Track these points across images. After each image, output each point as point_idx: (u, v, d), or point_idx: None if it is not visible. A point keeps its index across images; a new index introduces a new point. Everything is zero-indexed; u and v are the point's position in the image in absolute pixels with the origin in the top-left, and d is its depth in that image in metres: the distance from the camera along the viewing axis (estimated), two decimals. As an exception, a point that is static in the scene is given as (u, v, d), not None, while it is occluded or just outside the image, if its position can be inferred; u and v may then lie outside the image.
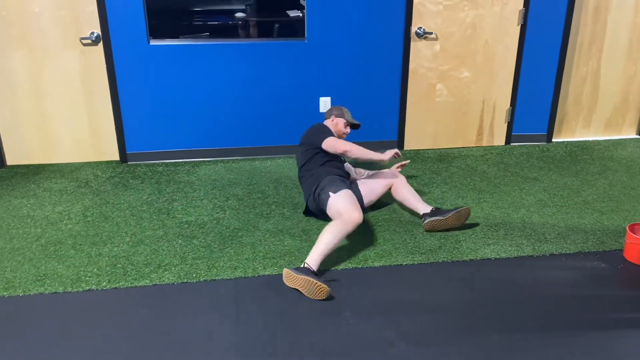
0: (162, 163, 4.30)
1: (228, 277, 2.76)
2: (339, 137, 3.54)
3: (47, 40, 3.96)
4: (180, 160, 4.35)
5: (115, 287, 2.69)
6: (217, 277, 2.76)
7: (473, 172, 4.10)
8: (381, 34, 4.20)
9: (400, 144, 4.55)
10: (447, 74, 4.37)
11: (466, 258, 2.92)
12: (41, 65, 4.02)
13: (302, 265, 2.73)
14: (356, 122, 3.59)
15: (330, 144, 3.27)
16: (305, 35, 4.15)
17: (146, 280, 2.74)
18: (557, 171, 4.12)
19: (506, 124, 4.61)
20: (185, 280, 2.74)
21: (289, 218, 3.37)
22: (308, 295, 2.60)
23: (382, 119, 4.45)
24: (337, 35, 4.16)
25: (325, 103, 4.33)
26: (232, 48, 4.10)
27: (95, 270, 2.83)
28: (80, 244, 3.09)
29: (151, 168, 4.20)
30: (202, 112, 4.24)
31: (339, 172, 3.31)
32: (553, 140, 4.77)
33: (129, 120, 4.19)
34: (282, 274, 2.77)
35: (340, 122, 3.54)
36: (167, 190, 3.80)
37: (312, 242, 3.07)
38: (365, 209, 3.42)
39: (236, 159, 4.38)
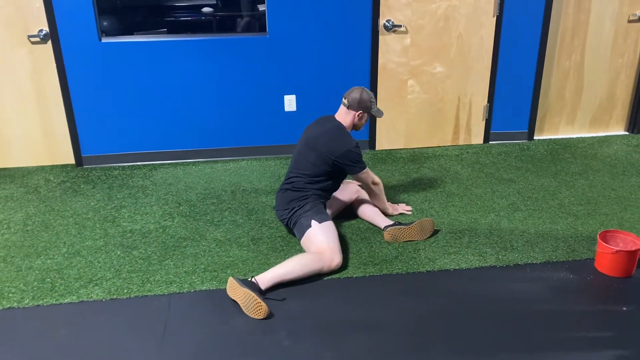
0: (119, 166, 4.09)
1: (162, 293, 2.55)
2: (356, 127, 3.06)
3: (-8, 38, 3.76)
4: (138, 163, 4.14)
5: (39, 305, 2.48)
6: (149, 293, 2.55)
7: (445, 173, 3.86)
8: (347, 27, 3.96)
9: (371, 144, 4.31)
10: (419, 69, 4.12)
11: (423, 269, 2.69)
12: (-12, 65, 3.82)
13: (249, 278, 2.52)
14: (382, 115, 3.15)
15: (364, 178, 3.00)
16: (267, 30, 3.92)
17: (73, 297, 2.53)
18: (535, 171, 3.87)
19: (484, 122, 4.37)
20: (115, 297, 2.53)
21: (240, 226, 3.15)
22: (245, 311, 2.38)
23: (352, 117, 4.21)
24: (300, 29, 3.93)
25: (290, 101, 4.10)
26: (190, 45, 3.87)
27: (21, 285, 2.63)
28: (13, 256, 2.89)
29: (106, 172, 3.99)
30: (159, 112, 4.03)
31: (327, 197, 3.06)
32: (535, 138, 4.52)
33: (83, 122, 3.99)
34: (220, 289, 2.56)
35: (365, 116, 3.04)
36: (118, 196, 3.59)
37: (259, 253, 2.85)
38: None
39: (197, 162, 4.16)
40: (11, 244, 3.01)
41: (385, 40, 4.01)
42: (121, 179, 3.87)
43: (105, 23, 3.82)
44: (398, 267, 2.70)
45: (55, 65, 3.83)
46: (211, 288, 2.57)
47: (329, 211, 3.07)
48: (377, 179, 3.06)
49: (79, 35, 3.75)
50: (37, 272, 2.74)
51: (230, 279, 2.46)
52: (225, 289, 2.53)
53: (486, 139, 4.41)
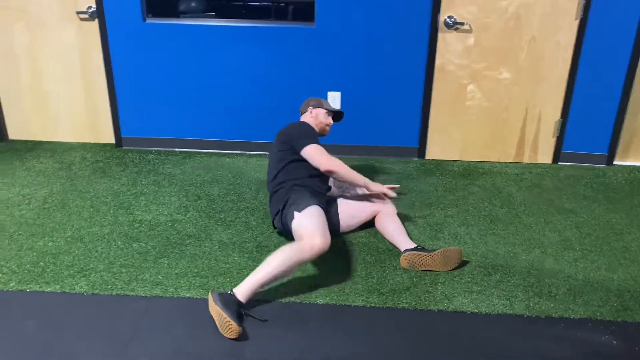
0: (155, 151, 4.01)
1: (144, 294, 2.38)
2: (322, 130, 3.04)
3: (44, 13, 3.78)
4: (175, 149, 4.04)
5: (22, 290, 2.40)
6: (131, 293, 2.39)
7: (496, 194, 3.40)
8: (403, 22, 3.58)
9: (420, 152, 3.91)
10: (482, 74, 3.66)
11: (435, 307, 2.31)
12: (39, 39, 3.86)
13: (229, 291, 2.28)
14: (338, 109, 3.10)
15: (313, 154, 2.71)
16: (314, 20, 3.63)
17: (57, 286, 2.43)
18: (605, 203, 3.30)
19: (554, 139, 3.82)
20: (97, 292, 2.39)
21: (251, 229, 2.93)
22: (220, 329, 2.15)
23: (401, 121, 3.84)
24: (350, 21, 3.60)
25: (333, 98, 3.80)
26: (232, 30, 3.68)
27: (14, 266, 2.57)
28: (20, 234, 2.85)
29: (141, 155, 3.92)
30: (198, 99, 3.89)
31: (317, 185, 2.79)
32: (615, 163, 3.89)
33: (124, 102, 3.94)
34: (204, 298, 2.35)
35: (320, 112, 3.03)
36: (142, 182, 3.49)
37: (258, 262, 2.60)
38: (339, 234, 2.89)
39: (232, 154, 3.98)
40: (24, 221, 2.99)
41: (445, 39, 3.59)
42: (153, 164, 3.78)
43: (153, 3, 3.73)
44: (406, 301, 2.34)
45: (100, 43, 3.80)
46: (195, 296, 2.36)
47: (352, 222, 2.86)
48: (332, 165, 2.69)
49: (123, 13, 3.68)
50: (34, 254, 2.67)
51: (210, 294, 2.23)
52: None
53: (555, 158, 3.86)
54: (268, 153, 3.96)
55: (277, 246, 2.74)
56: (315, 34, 3.65)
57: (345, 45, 3.66)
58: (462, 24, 3.53)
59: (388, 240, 2.79)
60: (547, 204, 3.28)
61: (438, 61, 3.65)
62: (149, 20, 3.71)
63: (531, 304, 2.33)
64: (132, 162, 3.82)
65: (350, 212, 2.84)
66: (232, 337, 2.10)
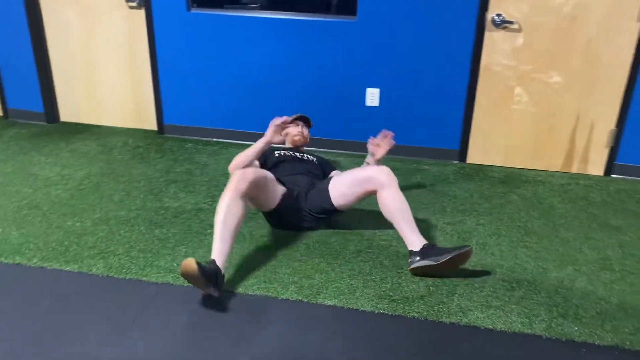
0: (194, 140, 4.07)
1: (155, 281, 2.40)
2: (296, 141, 3.21)
3: (96, 1, 3.90)
4: (213, 139, 4.07)
5: (43, 267, 2.48)
6: (144, 278, 2.41)
7: (536, 204, 3.20)
8: (448, 18, 3.43)
9: (461, 155, 3.75)
10: (530, 76, 3.45)
11: (447, 319, 2.19)
12: (92, 26, 3.99)
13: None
14: (298, 115, 3.20)
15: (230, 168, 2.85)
16: (356, 14, 3.55)
17: (76, 265, 2.49)
18: (658, 222, 3.04)
19: (608, 150, 3.55)
20: (112, 274, 2.43)
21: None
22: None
23: (442, 122, 3.69)
24: (393, 15, 3.49)
25: (372, 95, 3.70)
26: (272, 23, 3.66)
27: (40, 243, 2.66)
28: (52, 213, 2.96)
29: (180, 144, 3.99)
30: (235, 90, 3.90)
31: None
32: (676, 178, 3.58)
33: (168, 90, 4.01)
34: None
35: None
36: (177, 170, 3.54)
37: (273, 259, 2.57)
38: (337, 211, 2.80)
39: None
40: (57, 201, 3.10)
41: (492, 38, 3.41)
42: (189, 152, 3.83)
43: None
44: (417, 310, 2.24)
45: (146, 31, 3.88)
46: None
47: (341, 202, 2.75)
48: (232, 164, 2.79)
49: (169, 2, 3.74)
50: (62, 233, 2.76)
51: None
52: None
53: (607, 171, 3.59)
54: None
55: (296, 242, 2.71)
56: (357, 28, 3.56)
57: (387, 41, 3.55)
58: (511, 22, 3.34)
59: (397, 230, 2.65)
60: (590, 218, 3.06)
61: (484, 61, 3.47)
62: (194, 10, 3.75)
63: (553, 325, 2.17)
64: (170, 149, 3.88)
65: (339, 190, 2.71)
66: (184, 269, 2.12)
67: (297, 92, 3.80)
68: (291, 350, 2.01)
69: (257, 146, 2.75)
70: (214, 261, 2.25)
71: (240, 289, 2.35)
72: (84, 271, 2.46)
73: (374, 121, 3.76)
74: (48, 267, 2.48)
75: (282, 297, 2.31)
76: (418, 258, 2.43)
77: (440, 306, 2.26)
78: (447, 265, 2.39)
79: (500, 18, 3.34)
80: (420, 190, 3.33)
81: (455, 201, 3.21)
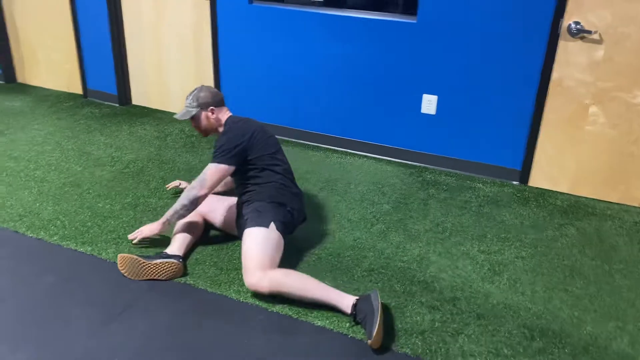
0: (248, 133, 4.05)
1: (156, 273, 2.39)
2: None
3: (168, -11, 4.00)
4: (266, 134, 4.02)
5: (60, 245, 2.57)
6: (146, 269, 2.41)
7: (595, 242, 2.78)
8: (518, 24, 3.08)
9: (523, 177, 3.37)
10: (610, 95, 3.00)
11: (442, 362, 1.95)
12: (162, 15, 4.09)
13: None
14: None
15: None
16: (416, 14, 3.30)
17: (89, 248, 2.55)
18: None
19: (700, 187, 3.01)
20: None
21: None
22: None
23: (504, 138, 3.34)
24: (456, 18, 3.20)
25: (429, 102, 3.43)
26: (329, 19, 3.50)
27: (66, 222, 2.76)
28: (89, 193, 3.06)
29: (233, 135, 3.98)
30: (292, 87, 3.80)
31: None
32: None
33: (227, 82, 4.01)
34: (211, 290, 2.27)
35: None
36: (219, 162, 3.53)
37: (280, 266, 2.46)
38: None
39: (315, 146, 3.84)
40: (98, 181, 3.20)
41: (567, 48, 3.01)
42: (238, 145, 3.81)
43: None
44: (411, 347, 2.00)
45: (210, 22, 3.91)
46: (202, 287, 2.30)
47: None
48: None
49: (232, -6, 3.73)
50: (89, 213, 2.84)
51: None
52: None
53: (698, 212, 3.05)
54: (350, 151, 3.76)
55: (307, 253, 2.57)
56: (416, 29, 3.31)
57: (448, 45, 3.27)
58: (590, 32, 2.92)
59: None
60: (658, 267, 2.60)
61: (555, 74, 3.08)
62: (255, 3, 3.71)
63: (566, 391, 1.85)
64: (221, 140, 3.89)
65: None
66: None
67: (350, 92, 3.63)
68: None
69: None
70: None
71: (233, 294, 2.26)
72: (95, 254, 2.50)
73: (429, 130, 3.49)
74: (64, 246, 2.56)
75: (271, 309, 2.19)
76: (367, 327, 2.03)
77: (440, 346, 2.02)
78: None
79: (578, 26, 2.93)
80: (464, 210, 3.04)
81: (499, 227, 2.88)
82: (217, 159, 2.37)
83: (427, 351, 1.99)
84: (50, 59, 4.79)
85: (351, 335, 2.05)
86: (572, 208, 3.13)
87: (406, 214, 2.97)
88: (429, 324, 2.14)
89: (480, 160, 3.44)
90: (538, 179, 3.34)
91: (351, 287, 2.32)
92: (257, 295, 2.23)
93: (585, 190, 3.24)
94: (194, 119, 2.55)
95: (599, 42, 2.93)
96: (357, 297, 2.11)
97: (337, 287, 2.30)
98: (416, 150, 3.58)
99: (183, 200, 2.38)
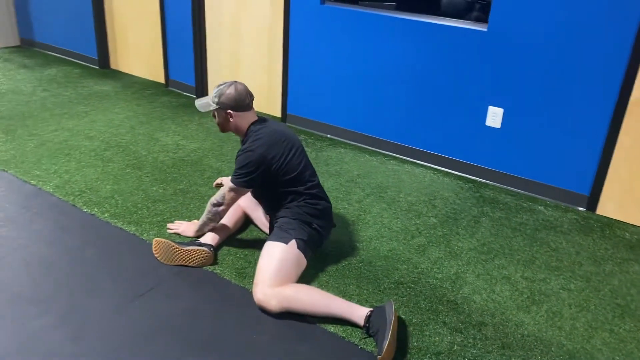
0: (310, 132, 4.05)
1: (187, 259, 2.46)
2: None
3: (247, -13, 4.11)
4: (327, 135, 4.01)
5: (109, 222, 2.71)
6: (180, 254, 2.49)
7: (660, 283, 2.50)
8: (597, 36, 2.84)
9: (591, 204, 3.10)
10: (698, 122, 2.69)
11: (451, 388, 1.83)
12: (241, 11, 4.21)
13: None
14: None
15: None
16: (487, 22, 3.14)
17: (134, 228, 2.67)
18: None
19: None
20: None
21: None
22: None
23: (572, 159, 3.09)
24: (530, 28, 3.01)
25: (494, 115, 3.25)
26: (399, 23, 3.42)
27: (120, 201, 2.91)
28: (147, 176, 3.22)
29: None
30: (356, 90, 3.76)
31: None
32: None
33: (294, 80, 4.05)
34: (235, 282, 2.30)
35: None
36: (275, 158, 3.57)
37: (309, 269, 2.44)
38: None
39: (376, 151, 3.76)
40: (159, 166, 3.35)
41: (651, 67, 2.73)
42: (298, 144, 3.83)
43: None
44: (422, 367, 1.91)
45: (282, 20, 3.97)
46: (227, 277, 2.34)
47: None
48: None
49: (306, -6, 3.76)
50: (142, 196, 2.98)
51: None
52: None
53: None
54: (406, 158, 3.66)
55: (340, 259, 2.53)
56: (486, 38, 3.15)
57: (518, 57, 3.08)
58: (679, 50, 2.63)
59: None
60: None
61: (636, 93, 2.80)
62: (327, 4, 3.71)
63: None
64: (283, 137, 3.94)
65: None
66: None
67: (414, 98, 3.53)
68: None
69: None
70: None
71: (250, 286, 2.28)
72: (137, 234, 2.63)
73: (492, 144, 3.32)
74: (112, 224, 2.71)
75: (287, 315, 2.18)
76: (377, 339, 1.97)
77: (451, 370, 1.91)
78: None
79: (666, 43, 2.65)
80: (517, 232, 2.85)
81: (552, 255, 2.67)
82: (234, 178, 2.35)
83: (406, 342, 1.89)
84: (139, 48, 5.10)
85: (362, 346, 2.00)
86: (642, 243, 2.84)
87: (452, 230, 2.84)
88: (447, 345, 2.02)
89: (544, 181, 3.21)
90: (608, 207, 3.06)
91: (374, 299, 2.26)
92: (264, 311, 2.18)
93: (661, 225, 2.93)
94: (213, 113, 2.50)
95: (689, 62, 2.63)
96: (371, 309, 2.04)
97: (360, 296, 2.25)
98: (477, 164, 3.41)
99: (207, 214, 2.46)
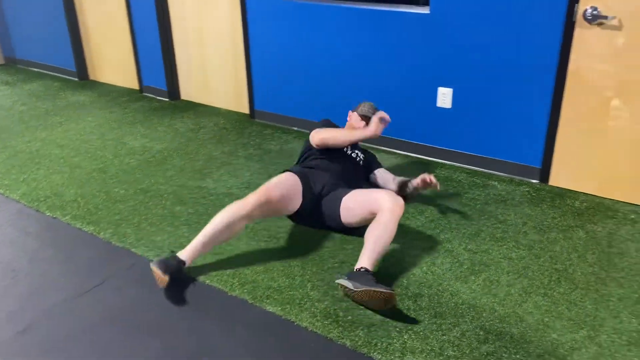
0: (277, 127, 4.14)
1: (140, 254, 2.54)
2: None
3: (206, -11, 4.21)
4: (294, 128, 4.09)
5: (70, 224, 2.81)
6: (134, 249, 2.57)
7: (602, 248, 2.54)
8: (532, 13, 2.88)
9: (543, 175, 3.15)
10: (635, 87, 2.72)
11: (379, 356, 1.91)
12: (203, 16, 4.31)
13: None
14: (367, 114, 2.87)
15: (311, 135, 2.82)
16: (429, 4, 3.20)
17: (91, 228, 2.77)
18: None
19: None
20: (111, 241, 2.65)
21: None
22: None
23: (522, 133, 3.15)
24: (470, 8, 3.06)
25: (444, 95, 3.31)
26: (347, 13, 3.49)
27: (82, 203, 3.01)
28: (111, 179, 3.32)
29: (261, 129, 4.09)
30: (313, 81, 3.84)
31: (324, 164, 2.75)
32: None
33: (258, 76, 4.14)
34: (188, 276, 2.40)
35: (353, 115, 2.97)
36: (238, 153, 3.66)
37: (259, 250, 2.52)
38: (344, 227, 2.64)
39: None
40: (123, 169, 3.45)
41: (584, 37, 2.77)
42: (262, 139, 3.91)
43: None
44: (353, 338, 1.98)
45: (241, 21, 4.06)
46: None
47: (350, 219, 2.59)
48: (322, 135, 2.72)
49: (259, -9, 3.85)
50: (104, 197, 3.08)
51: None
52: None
53: None
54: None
55: (310, 241, 2.61)
56: (429, 20, 3.22)
57: (461, 37, 3.14)
58: (606, 17, 2.67)
59: None
60: (668, 277, 2.33)
61: (572, 65, 2.85)
62: (280, -1, 3.81)
63: (498, 396, 1.74)
64: (249, 133, 4.03)
65: (348, 204, 2.55)
66: (161, 286, 2.25)
67: (365, 86, 3.60)
68: (202, 342, 1.97)
69: (357, 136, 2.68)
70: (182, 262, 2.31)
71: (201, 277, 2.36)
72: (94, 234, 2.73)
73: (444, 124, 3.38)
74: (72, 225, 2.81)
75: (232, 293, 2.26)
76: (345, 277, 2.16)
77: (382, 341, 1.98)
78: (363, 297, 2.08)
79: (595, 12, 2.69)
80: (466, 207, 2.91)
81: (498, 227, 2.73)
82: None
83: (366, 344, 1.96)
84: (114, 59, 5.23)
85: (297, 323, 2.08)
86: (590, 210, 2.88)
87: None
88: (380, 318, 2.10)
89: (497, 156, 3.27)
90: (560, 178, 3.11)
91: (318, 277, 2.34)
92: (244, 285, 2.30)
93: (614, 192, 2.97)
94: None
95: (618, 28, 2.67)
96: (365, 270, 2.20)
97: (302, 276, 2.34)
98: (432, 144, 3.47)
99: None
